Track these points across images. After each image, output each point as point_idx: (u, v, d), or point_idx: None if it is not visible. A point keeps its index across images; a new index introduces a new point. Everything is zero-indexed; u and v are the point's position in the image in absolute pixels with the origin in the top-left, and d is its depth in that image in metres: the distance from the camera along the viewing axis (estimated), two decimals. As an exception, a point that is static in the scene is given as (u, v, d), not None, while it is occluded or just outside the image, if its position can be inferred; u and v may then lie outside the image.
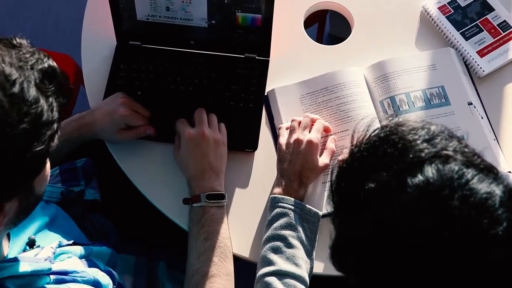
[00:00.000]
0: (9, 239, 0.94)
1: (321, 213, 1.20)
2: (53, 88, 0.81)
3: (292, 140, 1.23)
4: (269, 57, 1.36)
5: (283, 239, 1.15)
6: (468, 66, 1.37)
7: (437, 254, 0.71)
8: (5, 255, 0.91)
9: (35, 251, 0.93)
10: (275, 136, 1.30)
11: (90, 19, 1.43)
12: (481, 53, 1.36)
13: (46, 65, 0.81)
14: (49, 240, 1.00)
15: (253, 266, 1.18)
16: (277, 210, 1.18)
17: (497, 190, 0.72)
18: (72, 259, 0.98)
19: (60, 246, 0.98)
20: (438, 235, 0.70)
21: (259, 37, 1.32)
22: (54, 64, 0.83)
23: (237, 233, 1.22)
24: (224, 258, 1.16)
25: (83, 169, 1.31)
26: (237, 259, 1.21)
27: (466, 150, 0.77)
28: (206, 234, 1.16)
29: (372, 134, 0.81)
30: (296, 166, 1.21)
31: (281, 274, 1.11)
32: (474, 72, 1.36)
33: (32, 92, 0.77)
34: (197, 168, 1.21)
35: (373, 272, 0.76)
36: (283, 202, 1.18)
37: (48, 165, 0.85)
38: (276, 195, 1.19)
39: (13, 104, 0.75)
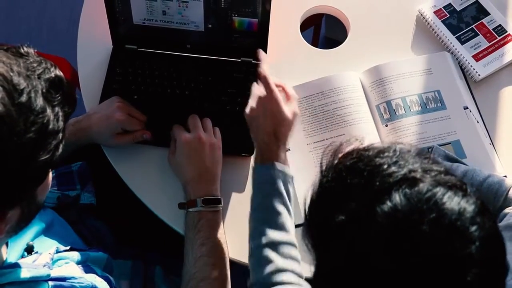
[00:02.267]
0: (7, 245, 0.94)
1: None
2: (59, 98, 0.81)
3: (255, 104, 1.18)
4: (265, 61, 1.36)
5: (270, 207, 1.11)
6: (464, 70, 1.37)
7: (412, 282, 0.70)
8: (4, 261, 0.91)
9: (33, 257, 0.93)
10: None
11: (86, 23, 1.43)
12: (477, 57, 1.37)
13: (53, 74, 0.81)
14: (47, 246, 1.00)
15: (249, 270, 1.18)
16: (261, 178, 1.14)
17: (468, 208, 0.72)
18: (70, 265, 0.98)
19: (57, 252, 0.99)
20: (411, 263, 0.70)
21: (256, 41, 1.32)
22: (61, 73, 0.83)
23: (233, 237, 1.22)
24: (220, 262, 1.16)
25: (79, 173, 1.31)
26: (233, 264, 1.21)
27: (434, 167, 0.76)
28: (202, 239, 1.16)
29: (339, 162, 0.80)
30: (266, 127, 1.16)
31: (274, 244, 1.08)
32: (469, 76, 1.36)
33: (39, 101, 0.77)
34: (192, 172, 1.21)
35: None
36: (265, 170, 1.14)
37: (50, 174, 0.85)
38: (257, 164, 1.15)
39: (20, 113, 0.75)
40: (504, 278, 0.76)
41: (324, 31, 2.16)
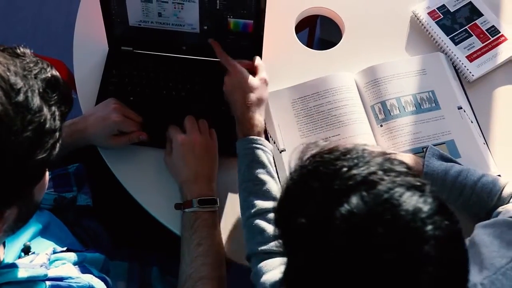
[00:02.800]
0: (4, 246, 0.94)
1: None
2: (55, 97, 0.82)
3: (224, 87, 1.27)
4: (260, 62, 1.37)
5: (255, 178, 1.17)
6: (457, 71, 1.38)
7: (369, 283, 0.71)
8: (1, 261, 0.91)
9: (30, 258, 0.93)
10: (267, 140, 1.31)
11: (82, 25, 1.44)
12: (470, 58, 1.38)
13: (49, 74, 0.82)
14: (43, 247, 1.00)
15: (246, 270, 1.18)
16: (241, 151, 1.20)
17: (424, 207, 0.73)
18: (67, 265, 0.98)
19: (54, 252, 0.99)
20: (367, 264, 0.71)
21: (251, 43, 1.33)
22: (57, 73, 0.84)
23: (230, 237, 1.23)
24: (216, 262, 1.17)
25: (75, 175, 1.31)
26: (230, 264, 1.22)
27: (396, 168, 0.77)
28: (198, 239, 1.17)
29: (303, 165, 0.81)
30: (238, 98, 1.24)
31: (262, 213, 1.13)
32: (463, 77, 1.37)
33: (36, 101, 0.78)
34: (188, 173, 1.22)
35: None
36: (245, 143, 1.20)
37: (47, 173, 0.86)
38: (238, 141, 1.22)
39: (17, 112, 0.76)
40: (464, 278, 0.77)
41: (319, 32, 2.17)
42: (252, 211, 1.14)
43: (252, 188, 1.16)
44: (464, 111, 1.32)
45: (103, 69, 1.37)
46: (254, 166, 1.18)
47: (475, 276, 0.94)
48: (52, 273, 0.91)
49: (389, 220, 0.71)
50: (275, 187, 1.16)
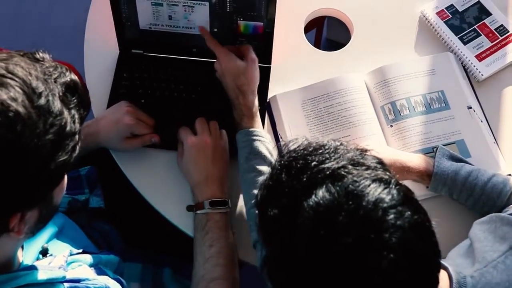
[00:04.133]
0: (22, 248, 0.95)
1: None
2: (75, 101, 0.83)
3: (216, 74, 1.30)
4: (270, 64, 1.38)
5: (254, 170, 1.19)
6: (466, 71, 1.38)
7: (333, 269, 0.75)
8: (20, 263, 0.92)
9: (48, 260, 0.95)
10: (278, 142, 1.32)
11: (92, 29, 1.45)
12: (480, 57, 1.38)
13: (68, 78, 0.83)
14: (60, 249, 1.01)
15: (258, 270, 1.19)
16: (240, 144, 1.23)
17: (386, 198, 0.77)
18: (83, 267, 0.99)
19: (71, 254, 1.00)
20: (330, 252, 0.75)
21: (261, 44, 1.34)
22: (75, 77, 0.85)
23: (241, 238, 1.23)
24: (229, 263, 1.17)
25: (87, 177, 1.32)
26: (241, 264, 1.22)
27: (366, 162, 0.82)
28: (210, 240, 1.18)
29: (280, 161, 0.86)
30: (229, 83, 1.27)
31: None
32: (473, 76, 1.38)
33: (57, 104, 0.80)
34: (200, 175, 1.23)
35: None
36: (242, 136, 1.23)
37: (65, 175, 0.87)
38: (238, 133, 1.24)
39: (40, 115, 0.77)
40: (431, 267, 0.81)
41: (326, 33, 2.17)
42: (253, 202, 1.15)
43: (252, 180, 1.18)
44: (474, 111, 1.32)
45: (114, 72, 1.38)
46: (252, 158, 1.20)
47: (467, 269, 0.97)
48: (70, 275, 0.93)
49: (351, 209, 0.76)
50: None
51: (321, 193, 0.78)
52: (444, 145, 1.27)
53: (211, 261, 1.16)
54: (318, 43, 1.99)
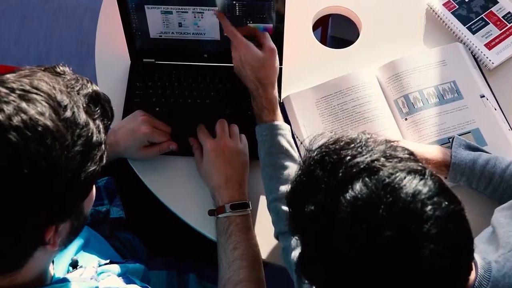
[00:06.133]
0: (52, 261, 0.96)
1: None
2: (98, 111, 0.84)
3: (234, 63, 1.27)
4: (282, 64, 1.38)
5: (275, 164, 1.20)
6: (477, 60, 1.39)
7: (374, 262, 0.76)
8: (52, 276, 0.93)
9: (79, 271, 0.96)
10: (294, 141, 1.32)
11: (102, 40, 1.45)
12: (489, 46, 1.39)
13: (90, 90, 0.84)
14: (88, 261, 1.02)
15: (282, 271, 1.19)
16: (260, 138, 1.23)
17: (424, 190, 0.78)
18: (112, 277, 1.00)
19: (99, 265, 1.01)
20: (370, 245, 0.75)
21: (271, 46, 1.34)
22: (97, 88, 0.86)
23: (264, 239, 1.24)
24: (253, 265, 1.18)
25: (106, 188, 1.33)
26: (265, 265, 1.23)
27: (398, 154, 0.82)
28: (234, 243, 1.18)
29: (310, 157, 0.86)
30: (248, 75, 1.25)
31: (283, 197, 1.15)
32: (483, 65, 1.38)
33: (82, 116, 0.80)
34: (219, 179, 1.23)
35: (324, 286, 0.83)
36: (262, 130, 1.23)
37: (94, 186, 0.88)
38: (256, 128, 1.24)
39: (67, 128, 0.78)
40: (467, 254, 0.82)
41: (330, 30, 2.18)
42: (275, 195, 1.18)
43: (273, 173, 1.19)
44: (487, 99, 1.33)
45: (127, 83, 1.39)
46: (273, 152, 1.21)
47: (491, 254, 0.97)
48: (102, 285, 0.93)
49: (390, 202, 0.76)
50: (295, 170, 1.18)
51: (358, 187, 0.78)
52: (459, 135, 1.27)
53: (235, 264, 1.17)
54: (324, 41, 2.00)
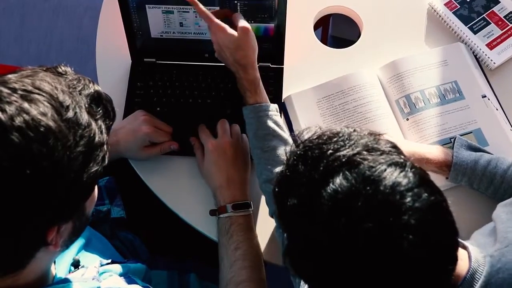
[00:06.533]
0: (54, 261, 0.96)
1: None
2: (100, 112, 0.84)
3: (214, 47, 1.25)
4: (283, 64, 1.38)
5: (263, 146, 1.19)
6: (478, 60, 1.39)
7: (356, 255, 0.76)
8: (54, 276, 0.93)
9: (81, 271, 0.96)
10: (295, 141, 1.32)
11: (103, 40, 1.45)
12: (491, 46, 1.38)
13: (92, 90, 0.84)
14: (90, 261, 1.02)
15: (284, 271, 1.19)
16: (247, 120, 1.22)
17: (403, 181, 0.78)
18: (114, 277, 1.00)
19: (101, 265, 1.01)
20: (351, 239, 0.76)
21: (273, 46, 1.34)
22: (99, 88, 0.86)
23: (265, 239, 1.24)
24: (256, 265, 1.18)
25: (106, 188, 1.32)
26: (267, 265, 1.23)
27: (380, 148, 0.83)
28: (235, 243, 1.18)
29: (294, 151, 0.87)
30: (228, 58, 1.23)
31: (272, 178, 1.16)
32: (485, 65, 1.38)
33: (84, 116, 0.80)
34: (221, 179, 1.23)
35: (309, 278, 0.84)
36: (248, 113, 1.22)
37: (96, 186, 0.88)
38: (244, 108, 1.23)
39: (69, 128, 0.78)
40: (449, 245, 0.83)
41: (331, 30, 2.17)
42: (265, 177, 1.18)
43: (262, 155, 1.19)
44: (489, 99, 1.33)
45: (127, 82, 1.38)
46: (260, 134, 1.20)
47: (488, 248, 0.97)
48: (103, 285, 0.93)
49: (369, 195, 0.77)
50: (282, 149, 1.19)
51: (338, 180, 0.78)
52: (461, 135, 1.27)
53: (237, 264, 1.17)
54: (325, 41, 1.99)
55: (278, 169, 1.16)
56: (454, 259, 0.84)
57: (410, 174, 0.80)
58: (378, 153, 0.81)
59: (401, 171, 0.79)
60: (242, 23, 1.22)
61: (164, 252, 1.38)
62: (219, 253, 1.20)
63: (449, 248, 0.83)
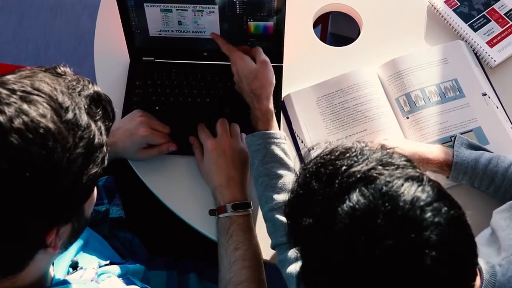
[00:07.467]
0: (52, 263, 0.95)
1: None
2: (100, 113, 0.83)
3: (234, 78, 1.28)
4: (282, 63, 1.37)
5: (270, 173, 1.18)
6: (479, 57, 1.38)
7: (376, 274, 0.74)
8: (52, 278, 0.93)
9: (79, 273, 0.95)
10: (295, 140, 1.32)
11: (101, 39, 1.44)
12: (491, 43, 1.38)
13: (91, 91, 0.83)
14: (88, 262, 1.01)
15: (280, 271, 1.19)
16: (254, 148, 1.21)
17: (422, 196, 0.76)
18: (112, 278, 0.99)
19: (100, 266, 1.00)
20: (372, 257, 0.74)
21: (272, 44, 1.34)
22: (99, 89, 0.85)
23: (265, 239, 1.23)
24: (255, 265, 1.18)
25: (105, 187, 1.32)
26: (266, 265, 1.22)
27: (395, 162, 0.81)
28: (235, 243, 1.17)
29: (305, 168, 0.85)
30: (244, 88, 1.26)
31: (280, 207, 1.14)
32: (485, 63, 1.37)
33: (84, 117, 0.80)
34: (220, 178, 1.22)
35: None
36: (256, 140, 1.21)
37: (95, 188, 0.87)
38: (247, 137, 1.23)
39: (69, 130, 0.77)
40: (471, 259, 0.80)
41: (330, 28, 2.17)
42: (270, 205, 1.16)
43: (268, 182, 1.17)
44: (489, 97, 1.32)
45: (126, 81, 1.37)
46: (268, 161, 1.19)
47: (493, 258, 0.96)
48: (102, 287, 0.93)
49: (389, 211, 0.75)
50: (290, 177, 1.18)
51: (355, 197, 0.76)
52: (461, 134, 1.27)
53: (237, 264, 1.16)
54: (324, 39, 1.98)
55: (284, 197, 1.14)
56: (475, 274, 0.83)
57: (428, 188, 0.78)
58: (393, 167, 0.79)
59: (419, 185, 0.77)
60: (262, 56, 1.26)
61: (163, 251, 1.37)
62: (218, 253, 1.20)
63: (471, 262, 0.81)
